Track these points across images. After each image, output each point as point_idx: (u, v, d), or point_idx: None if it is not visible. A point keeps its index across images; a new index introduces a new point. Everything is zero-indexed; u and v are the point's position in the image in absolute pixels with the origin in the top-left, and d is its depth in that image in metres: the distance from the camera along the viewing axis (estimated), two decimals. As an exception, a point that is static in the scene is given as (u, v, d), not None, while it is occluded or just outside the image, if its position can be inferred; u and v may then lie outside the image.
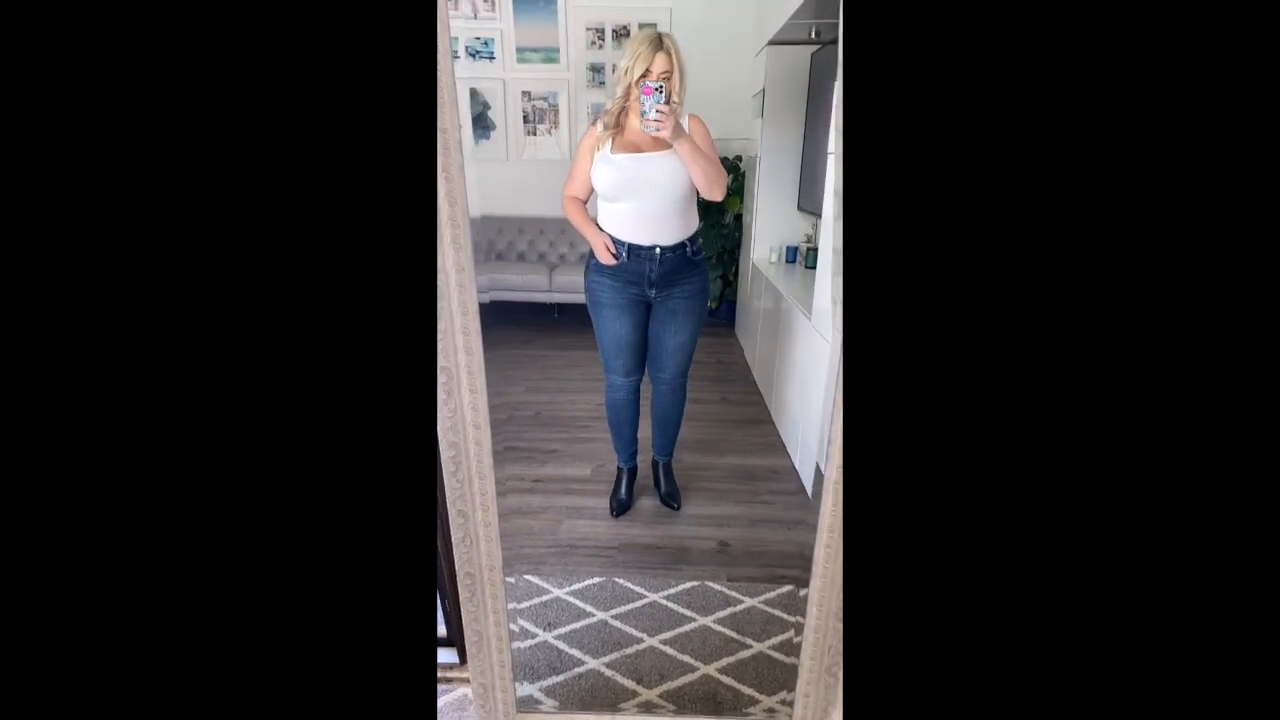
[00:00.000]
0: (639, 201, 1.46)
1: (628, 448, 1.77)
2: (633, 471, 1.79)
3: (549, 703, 1.15)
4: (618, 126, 1.44)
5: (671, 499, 1.79)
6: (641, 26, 3.24)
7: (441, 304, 0.76)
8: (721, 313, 3.50)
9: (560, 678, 1.20)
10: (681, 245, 1.50)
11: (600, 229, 1.51)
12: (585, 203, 1.54)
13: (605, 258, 1.51)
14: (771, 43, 2.61)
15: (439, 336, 0.77)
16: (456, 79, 0.67)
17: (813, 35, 2.46)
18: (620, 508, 1.76)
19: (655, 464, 1.82)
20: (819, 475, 0.93)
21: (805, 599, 1.01)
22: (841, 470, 0.86)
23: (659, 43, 1.35)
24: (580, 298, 3.48)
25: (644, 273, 1.51)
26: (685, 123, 1.42)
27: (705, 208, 3.07)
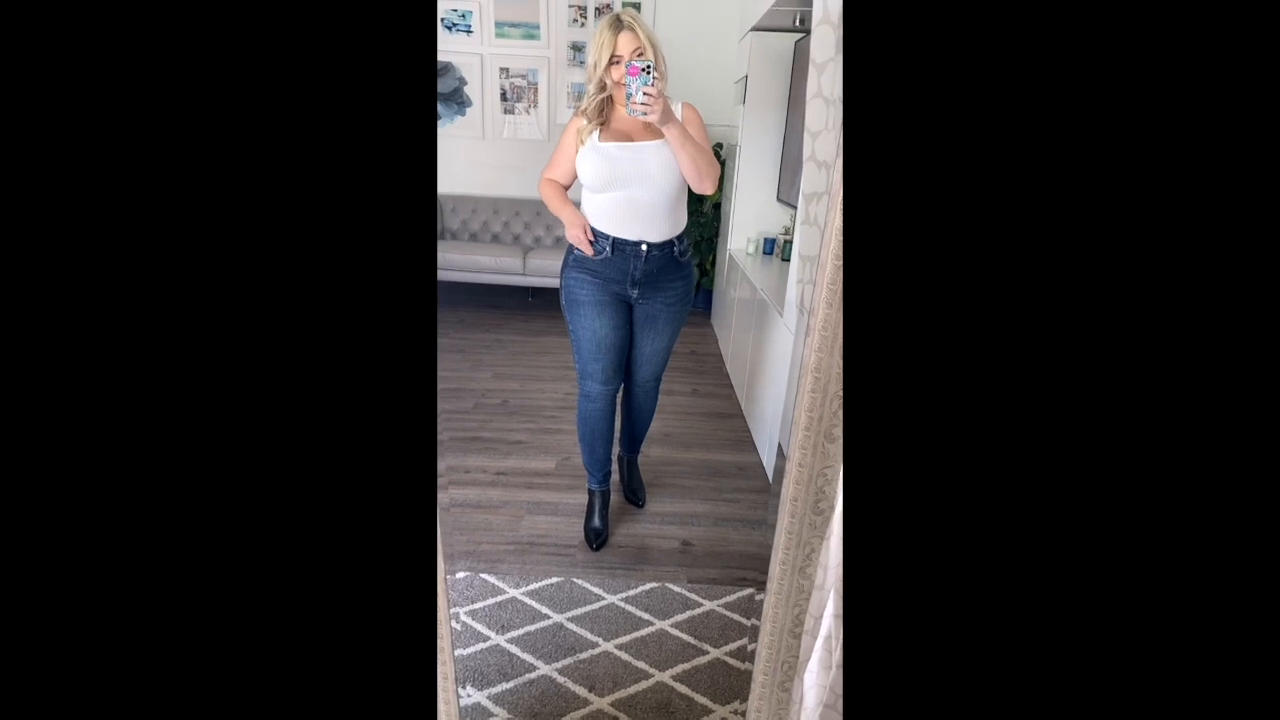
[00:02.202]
0: (629, 193, 1.33)
1: (602, 466, 1.59)
2: (605, 495, 1.62)
3: (499, 713, 1.12)
4: (601, 116, 1.34)
5: (636, 495, 1.76)
6: (625, 6, 3.15)
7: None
8: (698, 302, 3.46)
9: (510, 684, 1.17)
10: (669, 243, 1.39)
11: (578, 212, 1.39)
12: (566, 189, 1.43)
13: (583, 245, 1.37)
14: (755, 29, 2.54)
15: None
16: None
17: (796, 23, 2.40)
18: (596, 538, 1.58)
19: (621, 459, 1.78)
20: (779, 457, 0.90)
21: (762, 605, 0.98)
22: (791, 520, 0.83)
23: (619, 24, 1.25)
24: (554, 281, 3.41)
25: (628, 270, 1.38)
26: (679, 109, 1.33)
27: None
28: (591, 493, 1.62)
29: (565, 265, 1.46)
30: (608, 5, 3.25)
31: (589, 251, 1.38)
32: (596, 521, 1.60)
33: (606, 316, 1.42)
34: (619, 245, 1.37)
